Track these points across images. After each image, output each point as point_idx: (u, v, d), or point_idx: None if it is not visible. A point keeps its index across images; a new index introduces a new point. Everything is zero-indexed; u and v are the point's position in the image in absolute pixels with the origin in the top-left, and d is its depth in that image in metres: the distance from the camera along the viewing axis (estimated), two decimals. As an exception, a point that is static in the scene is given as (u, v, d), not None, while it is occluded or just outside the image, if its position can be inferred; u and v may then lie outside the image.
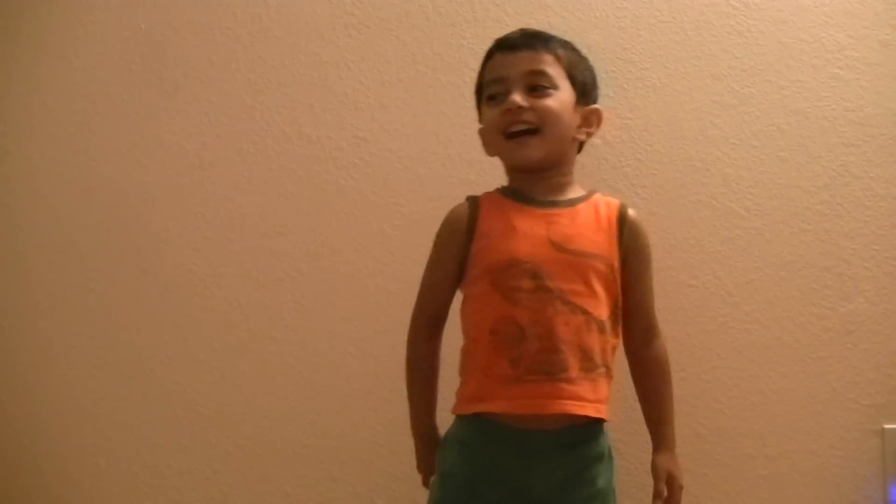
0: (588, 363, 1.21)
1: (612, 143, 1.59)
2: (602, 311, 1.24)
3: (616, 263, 1.26)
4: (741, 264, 1.56)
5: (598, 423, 1.24)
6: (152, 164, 1.68)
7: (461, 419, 1.27)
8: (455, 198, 1.59)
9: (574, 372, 1.20)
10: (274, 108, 1.66)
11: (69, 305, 1.69)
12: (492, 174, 1.60)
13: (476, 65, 1.64)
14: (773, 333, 1.55)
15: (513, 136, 1.25)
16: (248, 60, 1.67)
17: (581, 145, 1.35)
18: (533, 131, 1.24)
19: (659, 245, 1.57)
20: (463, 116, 1.61)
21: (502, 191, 1.32)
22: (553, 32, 1.32)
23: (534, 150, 1.25)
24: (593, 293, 1.23)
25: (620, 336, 1.29)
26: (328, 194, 1.64)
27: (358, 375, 1.61)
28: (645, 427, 1.58)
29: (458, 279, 1.30)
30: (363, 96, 1.64)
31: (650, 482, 1.57)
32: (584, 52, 1.35)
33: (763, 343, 1.55)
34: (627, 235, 1.27)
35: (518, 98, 1.23)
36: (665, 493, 1.29)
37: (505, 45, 1.29)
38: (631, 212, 1.30)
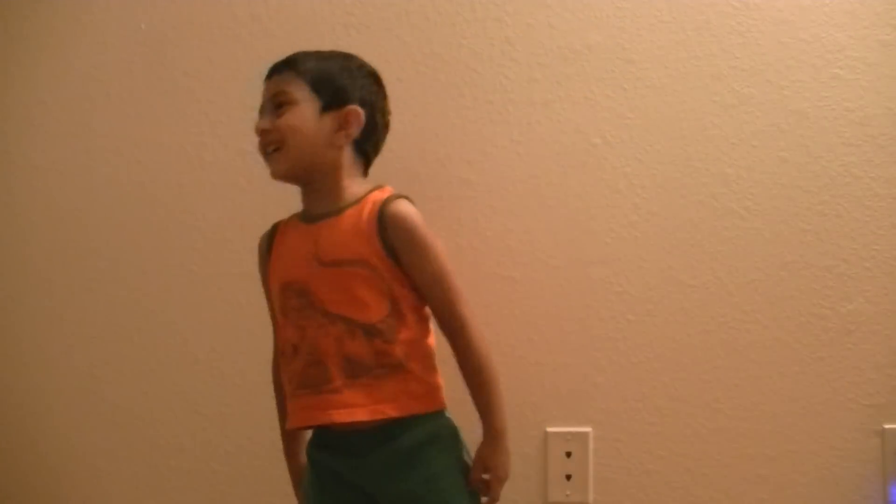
0: (355, 369, 1.24)
1: (612, 143, 1.59)
2: (370, 314, 1.25)
3: (382, 262, 1.26)
4: (741, 264, 1.56)
5: (409, 416, 1.26)
6: (152, 164, 1.68)
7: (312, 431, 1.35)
8: (455, 198, 1.60)
9: (338, 381, 1.24)
10: (274, 108, 1.65)
11: (69, 305, 1.69)
12: (493, 174, 1.61)
13: (476, 64, 1.64)
14: (773, 333, 1.55)
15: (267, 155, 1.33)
16: (248, 60, 1.67)
17: (366, 147, 1.35)
18: (278, 148, 1.30)
19: (659, 245, 1.57)
20: (462, 117, 1.61)
21: (299, 212, 1.37)
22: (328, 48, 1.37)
23: (277, 164, 1.31)
24: (354, 299, 1.24)
25: (413, 329, 1.28)
26: (328, 194, 1.64)
27: (358, 375, 1.61)
28: (647, 428, 1.58)
29: None
30: (363, 96, 1.64)
31: (651, 483, 1.58)
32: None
33: (763, 343, 1.55)
34: (388, 232, 1.26)
35: (260, 123, 1.32)
36: (478, 484, 1.29)
37: (265, 76, 1.35)
38: (393, 206, 1.28)
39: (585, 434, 1.56)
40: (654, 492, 1.56)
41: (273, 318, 1.38)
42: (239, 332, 1.64)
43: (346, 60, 1.36)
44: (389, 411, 1.24)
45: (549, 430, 1.56)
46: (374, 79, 1.37)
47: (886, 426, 1.53)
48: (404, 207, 1.29)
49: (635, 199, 1.58)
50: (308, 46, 1.64)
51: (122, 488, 1.66)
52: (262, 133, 1.31)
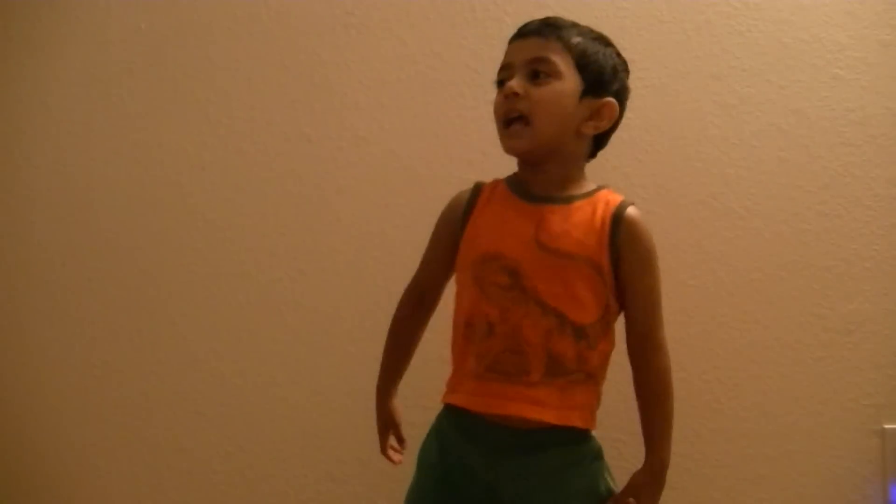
0: (556, 368, 1.17)
1: (612, 143, 1.59)
2: (584, 315, 1.18)
3: (607, 266, 1.19)
4: (741, 264, 1.56)
5: (575, 428, 1.20)
6: (152, 164, 1.68)
7: (444, 408, 1.27)
8: (455, 198, 1.59)
9: (536, 376, 1.17)
10: (274, 108, 1.66)
11: (69, 305, 1.69)
12: (492, 174, 1.60)
13: (476, 65, 1.64)
14: (773, 333, 1.55)
15: (507, 124, 1.22)
16: (248, 60, 1.67)
17: (603, 139, 1.29)
18: (525, 120, 1.20)
19: (659, 245, 1.57)
20: (463, 116, 1.61)
21: (508, 179, 1.29)
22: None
23: (522, 140, 1.21)
24: (574, 296, 1.18)
25: (610, 342, 1.24)
26: (328, 194, 1.64)
27: (358, 375, 1.61)
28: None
29: (450, 262, 1.28)
30: (363, 96, 1.64)
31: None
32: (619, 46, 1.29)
33: (763, 343, 1.55)
34: (622, 237, 1.20)
35: (514, 84, 1.20)
36: None
37: (518, 33, 1.25)
38: (630, 211, 1.22)
39: (585, 434, 1.56)
40: (654, 492, 1.56)
41: (428, 268, 1.32)
42: (239, 332, 1.64)
43: (608, 46, 1.26)
44: (576, 420, 1.19)
45: (549, 430, 1.56)
46: (628, 73, 1.28)
47: (886, 426, 1.53)
48: (642, 217, 1.23)
49: (635, 199, 1.57)
50: (308, 46, 1.66)
51: (122, 488, 1.66)
52: (512, 96, 1.19)
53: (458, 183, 1.60)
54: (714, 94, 1.58)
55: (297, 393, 1.63)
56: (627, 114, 1.58)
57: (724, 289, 1.56)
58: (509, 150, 1.24)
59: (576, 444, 1.22)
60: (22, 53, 1.72)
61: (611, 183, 1.58)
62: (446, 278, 1.32)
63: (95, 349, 1.68)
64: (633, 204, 1.24)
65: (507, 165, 1.60)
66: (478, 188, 1.30)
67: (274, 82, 1.66)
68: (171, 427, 1.65)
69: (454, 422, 1.24)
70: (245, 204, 1.66)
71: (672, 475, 1.55)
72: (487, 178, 1.60)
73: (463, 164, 1.60)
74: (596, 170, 1.58)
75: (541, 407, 1.17)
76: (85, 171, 1.70)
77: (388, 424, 1.36)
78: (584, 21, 1.59)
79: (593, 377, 1.21)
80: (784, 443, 1.54)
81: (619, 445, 1.56)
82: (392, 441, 1.36)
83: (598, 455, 1.25)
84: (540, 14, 1.60)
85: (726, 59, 1.58)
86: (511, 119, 1.21)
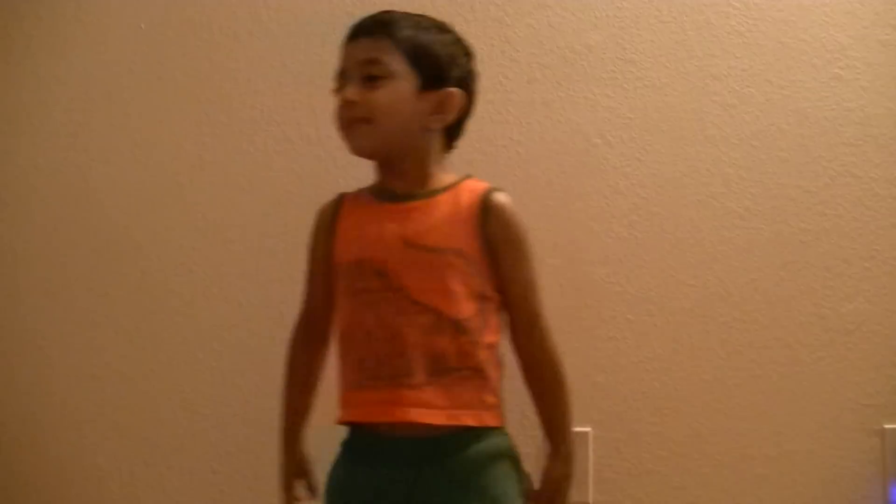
0: (439, 367, 1.13)
1: (612, 143, 1.59)
2: (460, 309, 1.15)
3: (478, 256, 1.17)
4: (741, 264, 1.56)
5: (480, 427, 1.15)
6: (152, 164, 1.68)
7: (347, 434, 1.22)
8: (455, 198, 1.59)
9: (419, 377, 1.13)
10: (274, 108, 1.66)
11: (69, 305, 1.69)
12: (493, 174, 1.60)
13: (476, 65, 1.63)
14: (773, 333, 1.55)
15: (348, 124, 1.21)
16: (248, 60, 1.67)
17: (456, 130, 1.26)
18: (367, 120, 1.18)
19: (659, 245, 1.58)
20: (463, 116, 1.61)
21: (369, 187, 1.26)
22: (406, 11, 1.24)
23: (364, 139, 1.19)
24: (447, 291, 1.14)
25: (494, 334, 1.19)
26: (328, 194, 1.64)
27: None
28: (647, 428, 1.58)
29: (330, 280, 1.24)
30: (363, 96, 1.64)
31: (651, 483, 1.58)
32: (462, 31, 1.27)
33: (763, 343, 1.55)
34: (491, 224, 1.18)
35: (349, 93, 1.18)
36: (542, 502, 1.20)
37: (349, 34, 1.23)
38: (497, 197, 1.20)
39: (585, 434, 1.56)
40: (654, 492, 1.56)
41: (311, 292, 1.29)
42: (239, 332, 1.64)
43: (444, 33, 1.23)
44: (467, 419, 1.14)
45: (549, 430, 1.56)
46: (470, 57, 1.26)
47: (886, 426, 1.53)
48: (510, 201, 1.20)
49: (635, 199, 1.58)
50: (308, 46, 1.66)
51: (122, 488, 1.66)
52: (347, 104, 1.18)
53: (458, 183, 1.60)
54: (714, 94, 1.58)
55: (297, 393, 1.62)
56: (628, 114, 1.59)
57: (724, 289, 1.56)
58: (355, 150, 1.22)
59: (478, 444, 1.16)
60: (22, 53, 1.72)
61: (611, 183, 1.59)
62: (332, 300, 1.25)
63: (96, 349, 1.67)
64: (500, 190, 1.22)
65: (507, 165, 1.60)
66: (340, 198, 1.28)
67: (274, 82, 1.66)
68: (171, 427, 1.65)
69: (353, 444, 1.20)
70: (245, 204, 1.66)
71: (672, 475, 1.56)
72: (486, 177, 1.60)
73: (463, 164, 1.60)
74: (596, 169, 1.59)
75: (428, 409, 1.13)
76: (85, 171, 1.70)
77: (297, 472, 1.27)
78: (585, 22, 1.60)
79: (481, 372, 1.16)
80: (784, 443, 1.54)
81: (619, 445, 1.57)
82: (300, 490, 1.27)
83: (515, 451, 1.20)
84: (539, 14, 1.61)
85: (726, 59, 1.58)
86: (352, 120, 1.20)
